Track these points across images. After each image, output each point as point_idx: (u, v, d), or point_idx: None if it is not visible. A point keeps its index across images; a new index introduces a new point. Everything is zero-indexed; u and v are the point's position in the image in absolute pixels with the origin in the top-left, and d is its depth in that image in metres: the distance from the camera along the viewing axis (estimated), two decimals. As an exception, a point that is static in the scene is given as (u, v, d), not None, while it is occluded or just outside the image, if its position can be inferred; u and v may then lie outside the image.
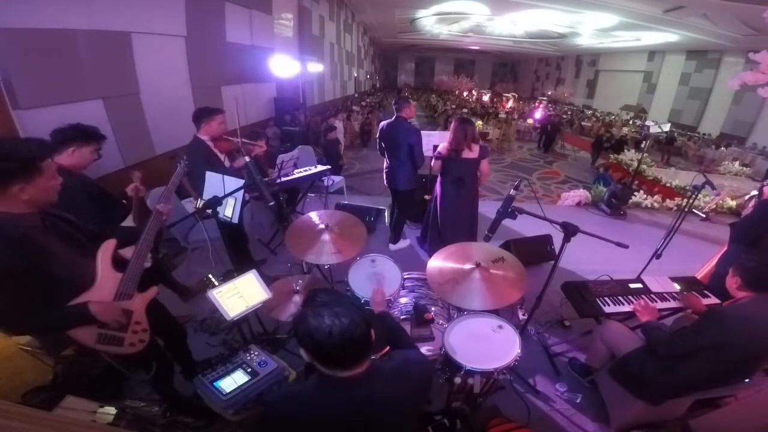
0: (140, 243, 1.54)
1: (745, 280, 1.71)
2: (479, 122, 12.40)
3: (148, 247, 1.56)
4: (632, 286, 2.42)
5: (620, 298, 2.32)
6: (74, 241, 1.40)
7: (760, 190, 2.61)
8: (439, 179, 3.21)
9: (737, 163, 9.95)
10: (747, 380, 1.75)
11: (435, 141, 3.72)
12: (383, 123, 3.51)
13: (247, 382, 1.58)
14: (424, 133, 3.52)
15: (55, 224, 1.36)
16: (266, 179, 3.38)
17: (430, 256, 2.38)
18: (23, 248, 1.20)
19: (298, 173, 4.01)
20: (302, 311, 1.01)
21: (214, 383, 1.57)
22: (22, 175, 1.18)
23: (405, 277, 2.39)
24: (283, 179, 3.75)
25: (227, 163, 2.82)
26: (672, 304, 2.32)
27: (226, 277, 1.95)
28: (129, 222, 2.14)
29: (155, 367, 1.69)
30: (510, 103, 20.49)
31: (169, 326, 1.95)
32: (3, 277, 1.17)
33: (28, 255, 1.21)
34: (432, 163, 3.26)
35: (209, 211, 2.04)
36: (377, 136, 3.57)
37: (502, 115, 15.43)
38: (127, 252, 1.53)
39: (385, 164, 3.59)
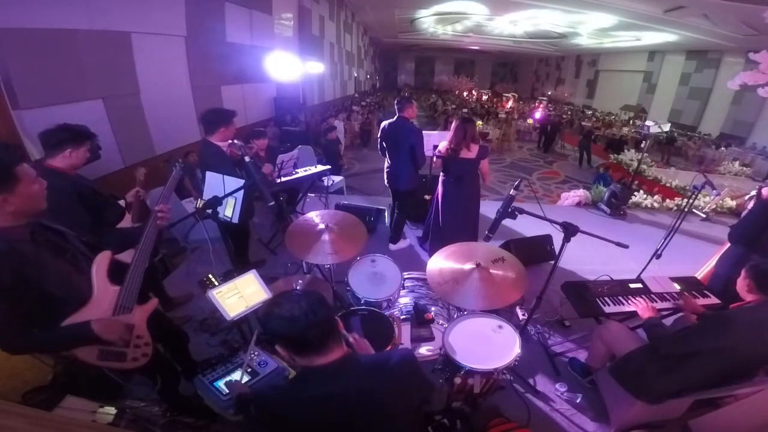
0: (138, 252, 1.47)
1: (757, 282, 1.68)
2: (479, 122, 12.42)
3: (147, 256, 1.50)
4: (632, 286, 2.41)
5: (620, 298, 2.32)
6: (67, 254, 1.34)
7: (759, 191, 2.61)
8: (440, 179, 3.21)
9: (737, 163, 9.97)
10: (748, 380, 1.75)
11: (434, 141, 3.72)
12: (385, 123, 3.51)
13: (247, 382, 1.58)
14: (423, 132, 3.52)
15: (46, 237, 1.29)
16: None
17: (430, 256, 2.38)
18: (12, 262, 1.13)
19: (298, 173, 4.01)
20: (265, 308, 1.09)
21: (214, 383, 1.57)
22: (0, 187, 1.11)
23: (405, 277, 2.40)
24: (283, 179, 3.75)
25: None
26: (672, 304, 2.32)
27: (226, 277, 1.94)
28: (127, 223, 2.12)
29: (160, 381, 1.65)
30: (510, 103, 20.48)
31: (170, 333, 1.92)
32: None
33: (18, 269, 1.14)
34: (433, 161, 3.27)
35: (209, 211, 2.04)
36: (379, 136, 3.56)
37: (502, 115, 15.43)
38: (124, 256, 1.49)
39: (386, 164, 3.59)
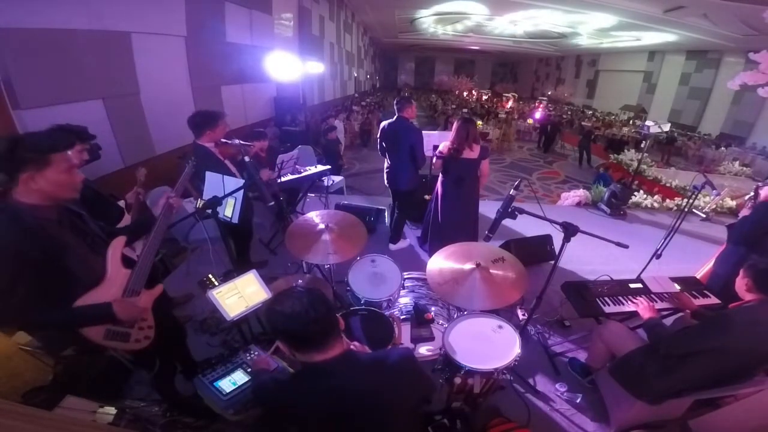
0: (150, 239, 1.53)
1: (756, 282, 1.67)
2: (479, 122, 12.42)
3: (158, 243, 1.57)
4: (632, 286, 2.41)
5: (620, 298, 2.32)
6: (86, 237, 1.41)
7: (756, 192, 2.61)
8: (440, 179, 3.21)
9: (737, 163, 9.97)
10: (748, 380, 1.75)
11: (434, 141, 3.72)
12: (384, 123, 3.50)
13: (247, 382, 1.57)
14: (423, 132, 3.52)
15: (71, 219, 1.37)
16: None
17: (430, 256, 2.38)
18: (40, 238, 1.20)
19: (298, 173, 4.02)
20: (267, 305, 1.12)
21: (214, 383, 1.56)
22: (31, 165, 1.19)
23: (405, 277, 2.39)
24: (283, 179, 3.75)
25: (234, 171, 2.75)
26: (670, 303, 2.32)
27: (226, 277, 1.95)
28: (126, 223, 2.14)
29: (158, 366, 1.69)
30: (510, 103, 20.48)
31: (170, 326, 1.94)
32: (20, 266, 1.17)
33: (45, 246, 1.21)
34: (434, 162, 3.27)
35: (209, 211, 2.04)
36: (378, 136, 3.56)
37: (502, 115, 15.43)
38: (128, 251, 1.53)
39: (386, 164, 3.59)
